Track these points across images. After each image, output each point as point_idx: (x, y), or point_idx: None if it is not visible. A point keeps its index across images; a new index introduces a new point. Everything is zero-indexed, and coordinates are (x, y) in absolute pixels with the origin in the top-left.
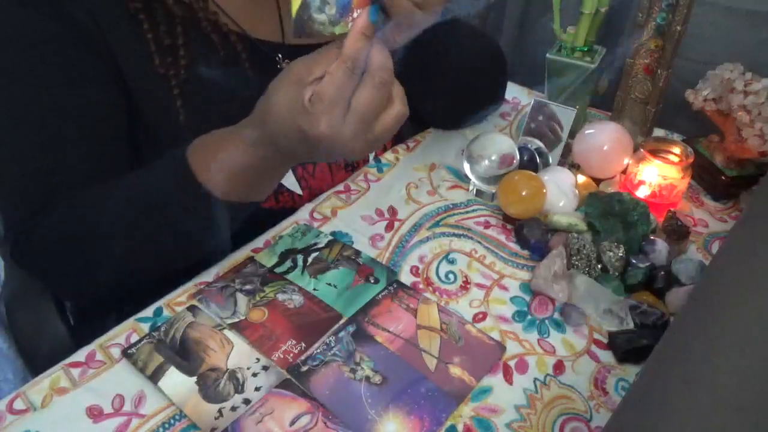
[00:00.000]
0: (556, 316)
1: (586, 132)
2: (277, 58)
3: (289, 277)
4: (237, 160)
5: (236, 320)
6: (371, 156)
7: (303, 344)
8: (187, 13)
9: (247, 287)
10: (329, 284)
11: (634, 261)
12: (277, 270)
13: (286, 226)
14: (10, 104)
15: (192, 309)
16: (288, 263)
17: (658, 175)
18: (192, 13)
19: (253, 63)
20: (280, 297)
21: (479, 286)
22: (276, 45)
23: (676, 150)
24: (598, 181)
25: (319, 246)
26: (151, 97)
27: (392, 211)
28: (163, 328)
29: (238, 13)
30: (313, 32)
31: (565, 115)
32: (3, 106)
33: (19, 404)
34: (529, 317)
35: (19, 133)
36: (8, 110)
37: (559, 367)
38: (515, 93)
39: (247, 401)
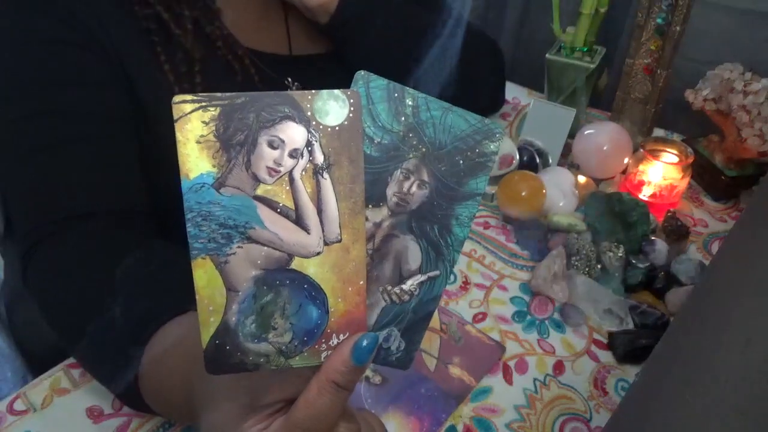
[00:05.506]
0: (556, 316)
1: (586, 132)
2: (286, 82)
3: None
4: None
5: None
6: None
7: None
8: (200, 29)
9: None
10: None
11: (633, 261)
12: None
13: None
14: (15, 104)
15: None
16: None
17: (658, 175)
18: (204, 29)
19: (262, 78)
20: None
21: (479, 286)
22: (283, 57)
23: (676, 150)
24: (597, 181)
25: None
26: (164, 109)
27: None
28: None
29: (246, 28)
30: (244, 367)
31: (565, 115)
32: (8, 106)
33: (19, 405)
34: (529, 317)
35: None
36: (13, 110)
37: (558, 367)
38: (515, 93)
39: None
